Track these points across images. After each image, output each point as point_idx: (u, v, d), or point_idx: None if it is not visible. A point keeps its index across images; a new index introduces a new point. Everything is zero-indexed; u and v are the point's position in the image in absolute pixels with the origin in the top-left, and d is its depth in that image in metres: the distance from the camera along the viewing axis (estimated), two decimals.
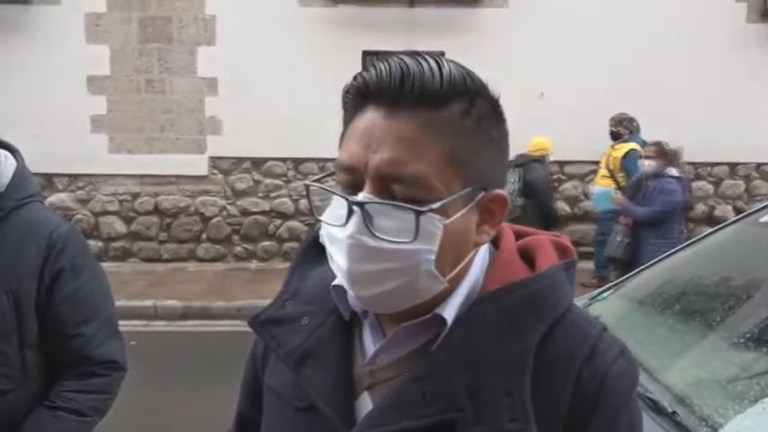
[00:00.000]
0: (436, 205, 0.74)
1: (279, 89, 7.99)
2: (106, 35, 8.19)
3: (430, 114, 0.75)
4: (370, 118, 0.77)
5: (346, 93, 0.80)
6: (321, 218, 0.81)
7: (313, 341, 0.87)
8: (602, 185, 7.08)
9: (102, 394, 1.64)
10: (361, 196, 0.75)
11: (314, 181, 0.82)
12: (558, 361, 0.78)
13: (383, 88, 0.76)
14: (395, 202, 0.75)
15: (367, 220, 0.75)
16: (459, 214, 0.77)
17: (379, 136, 0.76)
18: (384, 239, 0.75)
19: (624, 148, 6.95)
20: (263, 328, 0.91)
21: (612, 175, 6.97)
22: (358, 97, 0.79)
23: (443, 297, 0.81)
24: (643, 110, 8.07)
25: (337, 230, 0.77)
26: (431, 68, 0.75)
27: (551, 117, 7.89)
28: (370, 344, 0.86)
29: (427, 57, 0.76)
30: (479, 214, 0.80)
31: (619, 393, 0.79)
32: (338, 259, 0.79)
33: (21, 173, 1.62)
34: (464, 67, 0.78)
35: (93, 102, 8.22)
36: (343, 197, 0.77)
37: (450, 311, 0.80)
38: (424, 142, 0.75)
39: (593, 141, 8.28)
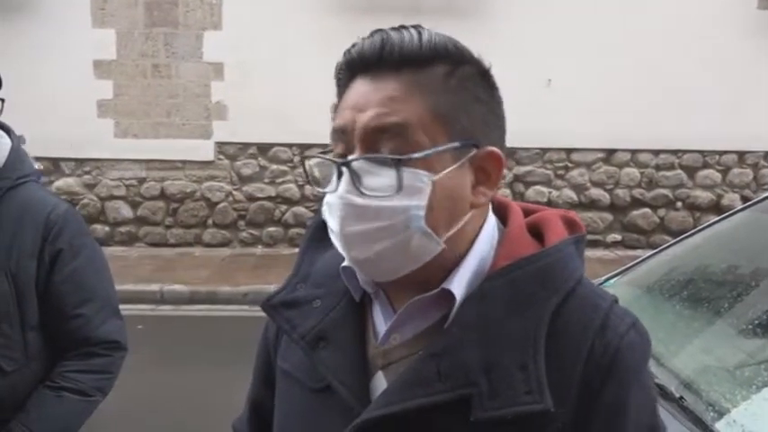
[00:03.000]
0: (418, 155, 0.76)
1: (285, 74, 7.96)
2: (112, 19, 8.17)
3: (413, 75, 0.78)
4: (358, 86, 0.81)
5: (339, 71, 0.84)
6: (319, 189, 0.83)
7: (326, 323, 0.87)
8: None
9: (104, 374, 1.64)
10: (348, 158, 0.79)
11: (314, 154, 0.86)
12: (570, 334, 0.78)
13: (366, 57, 0.80)
14: (376, 155, 0.77)
15: (355, 179, 0.78)
16: (448, 170, 0.78)
17: (365, 98, 0.79)
18: (371, 196, 0.77)
19: None
20: (276, 311, 0.92)
21: None
22: (347, 72, 0.83)
23: (449, 270, 0.81)
24: (652, 96, 8.04)
25: (331, 196, 0.80)
26: (411, 35, 0.79)
27: (558, 104, 7.86)
28: (381, 324, 0.86)
29: (408, 26, 0.80)
30: (474, 174, 0.81)
31: (631, 365, 0.79)
32: (332, 224, 0.81)
33: (16, 152, 1.60)
34: (449, 37, 0.81)
35: (100, 86, 8.22)
36: (332, 160, 0.80)
37: (457, 286, 0.81)
38: (407, 98, 0.78)
39: (601, 129, 8.28)
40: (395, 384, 0.80)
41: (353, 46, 0.81)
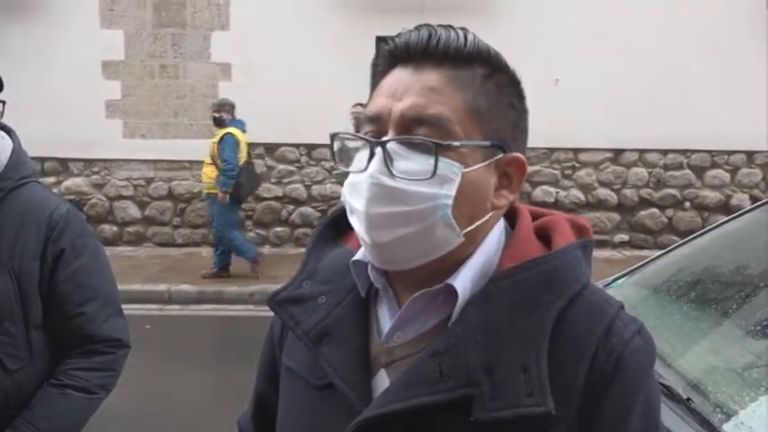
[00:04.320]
0: (456, 143, 0.77)
1: (292, 75, 7.98)
2: (120, 20, 8.21)
3: (453, 71, 0.80)
4: (397, 74, 0.82)
5: (376, 58, 0.85)
6: (344, 168, 0.83)
7: (330, 320, 0.87)
8: (206, 173, 6.92)
9: (107, 371, 1.65)
10: (384, 138, 0.79)
11: (346, 134, 0.86)
12: (574, 338, 0.78)
13: (410, 47, 0.81)
14: (414, 137, 0.78)
15: (387, 160, 0.78)
16: (477, 166, 0.79)
17: (405, 86, 0.80)
18: (403, 179, 0.77)
19: (220, 133, 6.76)
20: (281, 307, 0.91)
21: (214, 162, 6.77)
22: (387, 59, 0.84)
23: (455, 266, 0.82)
24: (659, 96, 8.01)
25: (359, 176, 0.80)
26: (456, 33, 0.81)
27: (566, 104, 7.84)
28: (386, 321, 0.86)
29: (453, 26, 0.82)
30: (498, 178, 0.82)
31: (635, 372, 0.78)
32: (357, 204, 0.80)
33: (17, 153, 1.61)
34: (489, 44, 0.83)
35: (108, 87, 8.26)
36: (365, 139, 0.80)
37: (461, 283, 0.81)
38: (446, 91, 0.79)
39: (609, 128, 8.25)
40: (397, 383, 0.80)
41: (398, 36, 0.82)
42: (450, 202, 0.78)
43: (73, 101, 8.01)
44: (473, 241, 0.82)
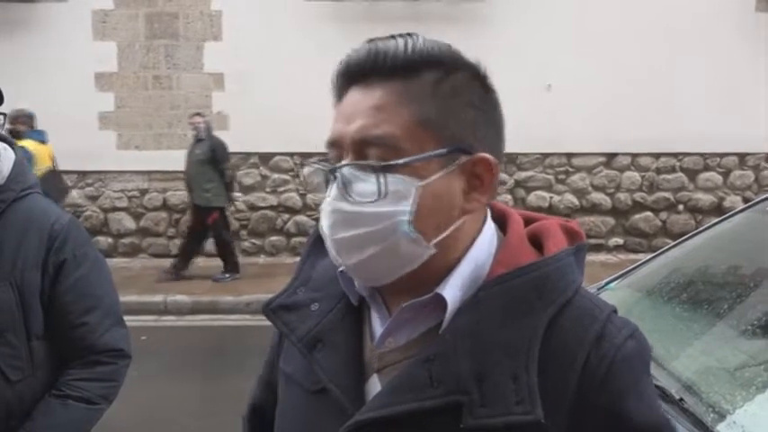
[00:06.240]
0: (399, 161, 0.76)
1: (285, 84, 8.00)
2: (113, 32, 8.23)
3: (402, 84, 0.79)
4: (350, 96, 0.81)
5: (334, 80, 0.84)
6: (319, 194, 0.84)
7: (323, 326, 0.88)
8: None
9: (108, 382, 1.65)
10: (336, 165, 0.80)
11: (309, 161, 0.86)
12: (566, 345, 0.77)
13: (359, 67, 0.80)
14: (359, 162, 0.78)
15: (345, 185, 0.78)
16: (435, 176, 0.78)
17: (354, 108, 0.80)
18: (359, 202, 0.78)
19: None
20: (275, 314, 0.92)
21: None
22: (342, 81, 0.83)
23: (443, 275, 0.81)
24: (651, 100, 8.06)
25: (324, 202, 0.81)
26: (399, 43, 0.79)
27: (559, 109, 7.88)
28: (378, 327, 0.86)
29: (401, 34, 0.80)
30: (466, 181, 0.81)
31: (627, 376, 0.77)
32: (324, 230, 0.82)
33: (19, 165, 1.62)
34: (442, 44, 0.81)
35: (101, 98, 8.27)
36: (321, 168, 0.82)
37: (450, 291, 0.80)
38: (393, 107, 0.78)
39: (602, 133, 8.30)
40: (387, 388, 0.80)
41: (346, 56, 0.82)
42: (408, 217, 0.77)
43: (67, 113, 8.00)
44: (453, 248, 0.82)
